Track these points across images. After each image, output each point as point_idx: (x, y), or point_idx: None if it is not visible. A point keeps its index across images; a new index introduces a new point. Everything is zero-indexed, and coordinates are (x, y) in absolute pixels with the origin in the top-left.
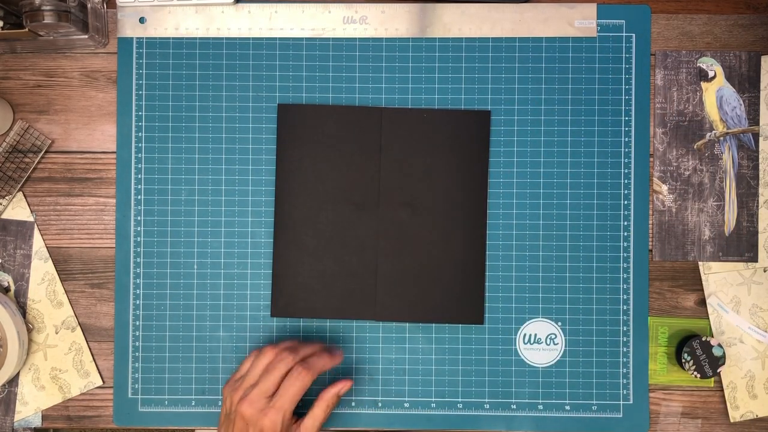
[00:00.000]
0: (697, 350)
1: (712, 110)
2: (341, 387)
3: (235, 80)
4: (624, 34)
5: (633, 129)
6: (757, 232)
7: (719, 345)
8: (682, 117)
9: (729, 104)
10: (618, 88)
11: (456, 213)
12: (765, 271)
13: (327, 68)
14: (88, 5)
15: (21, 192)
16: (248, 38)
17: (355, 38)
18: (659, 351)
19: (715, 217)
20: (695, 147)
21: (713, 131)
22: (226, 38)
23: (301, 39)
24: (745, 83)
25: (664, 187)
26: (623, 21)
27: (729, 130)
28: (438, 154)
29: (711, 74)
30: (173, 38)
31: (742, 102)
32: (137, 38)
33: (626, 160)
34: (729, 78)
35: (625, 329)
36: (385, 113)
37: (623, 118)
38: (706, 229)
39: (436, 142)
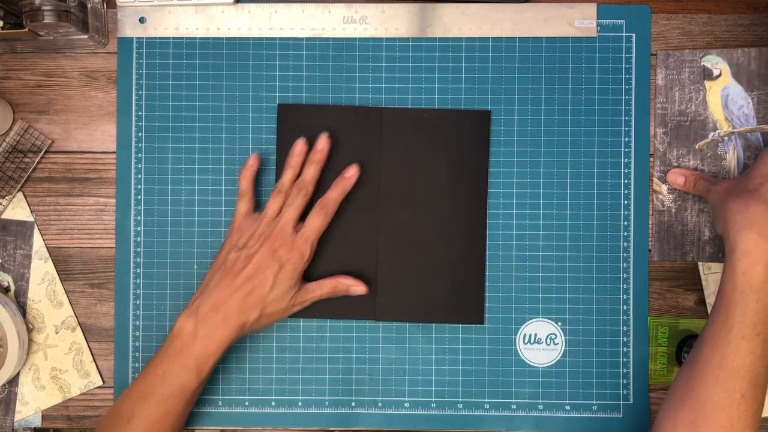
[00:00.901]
0: None
1: (716, 109)
2: (356, 286)
3: (235, 80)
4: (624, 34)
5: (633, 129)
6: None
7: None
8: (683, 117)
9: (735, 103)
10: (618, 88)
11: (456, 213)
12: None
13: (327, 68)
14: (88, 5)
15: (21, 192)
16: (248, 38)
17: (355, 38)
18: (659, 351)
19: None
20: (697, 147)
21: (717, 131)
22: (226, 38)
23: (301, 39)
24: (755, 80)
25: (664, 187)
26: (623, 21)
27: (735, 130)
28: (438, 154)
29: (716, 73)
30: (173, 38)
31: (750, 100)
32: (137, 38)
33: (626, 160)
34: (736, 75)
35: (625, 329)
36: (385, 113)
37: (623, 118)
38: (706, 230)
39: (436, 142)
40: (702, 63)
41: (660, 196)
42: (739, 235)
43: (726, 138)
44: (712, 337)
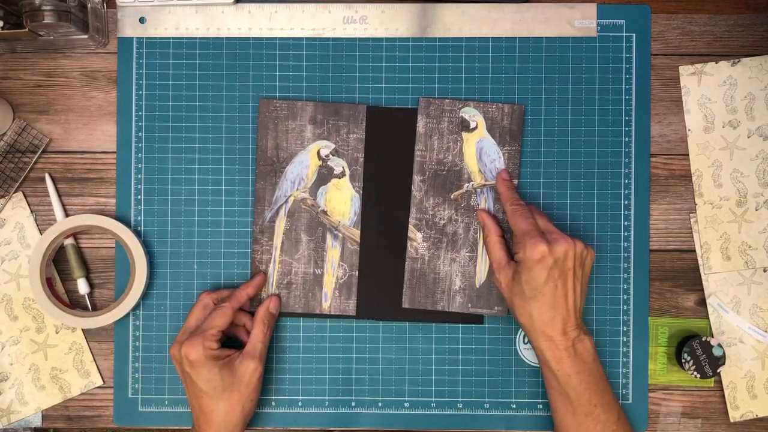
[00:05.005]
0: (697, 350)
1: (471, 161)
2: (269, 303)
3: (235, 80)
4: (624, 34)
5: (633, 129)
6: None
7: (719, 345)
8: (441, 166)
9: (488, 156)
10: (618, 88)
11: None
12: (765, 271)
13: (327, 68)
14: (88, 5)
15: (21, 192)
16: (248, 38)
17: (355, 38)
18: (659, 351)
19: (467, 268)
20: (452, 197)
21: (471, 182)
22: (226, 38)
23: (301, 39)
24: (506, 136)
25: (419, 235)
26: (623, 21)
27: (486, 182)
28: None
29: (473, 125)
30: (173, 38)
31: (501, 155)
32: (137, 38)
33: (626, 160)
34: (490, 129)
35: (625, 329)
36: (386, 113)
37: (623, 118)
38: (457, 279)
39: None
40: (461, 114)
41: (414, 244)
42: (533, 338)
43: (479, 190)
44: (564, 421)
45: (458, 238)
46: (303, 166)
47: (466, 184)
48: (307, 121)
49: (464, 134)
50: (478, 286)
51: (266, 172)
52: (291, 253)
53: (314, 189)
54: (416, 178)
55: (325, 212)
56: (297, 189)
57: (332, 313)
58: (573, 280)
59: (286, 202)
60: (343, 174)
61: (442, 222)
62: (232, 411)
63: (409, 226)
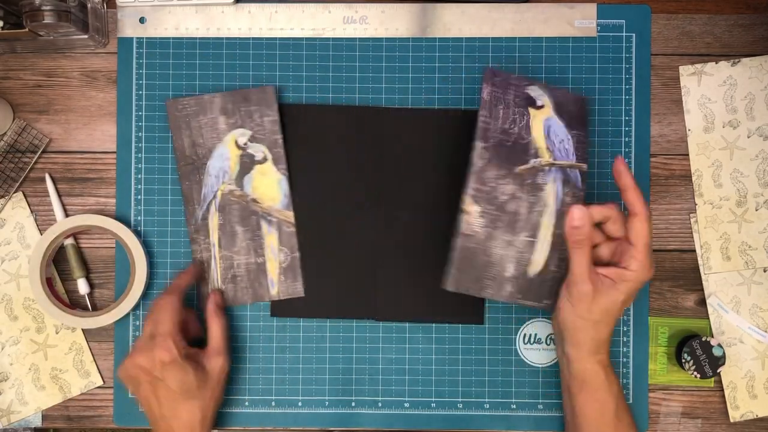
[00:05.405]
0: (697, 350)
1: (539, 137)
2: (212, 299)
3: (235, 80)
4: (624, 34)
5: (633, 129)
6: (562, 279)
7: (719, 345)
8: (506, 136)
9: (557, 136)
10: (618, 88)
11: (456, 212)
12: (765, 271)
13: (327, 68)
14: (88, 5)
15: (21, 192)
16: (248, 38)
17: (355, 38)
18: (659, 351)
19: (523, 253)
20: (517, 170)
21: (539, 158)
22: (226, 38)
23: (301, 39)
24: (573, 121)
25: (476, 209)
26: (623, 21)
27: (556, 161)
28: (438, 154)
29: (540, 103)
30: (173, 38)
31: (570, 137)
32: (137, 38)
33: (626, 160)
34: (558, 112)
35: (625, 329)
36: (385, 113)
37: (623, 118)
38: (510, 266)
39: (437, 142)
40: (526, 91)
41: (470, 218)
42: (581, 355)
43: (547, 168)
44: (598, 421)
45: (518, 219)
46: (224, 158)
47: (533, 160)
48: (218, 113)
49: (531, 110)
50: (531, 276)
51: (189, 171)
52: (229, 246)
53: (239, 179)
54: (479, 145)
55: (255, 200)
56: (223, 182)
57: (281, 298)
58: None
59: (214, 197)
60: (265, 159)
61: (504, 198)
62: (208, 409)
63: (466, 197)
